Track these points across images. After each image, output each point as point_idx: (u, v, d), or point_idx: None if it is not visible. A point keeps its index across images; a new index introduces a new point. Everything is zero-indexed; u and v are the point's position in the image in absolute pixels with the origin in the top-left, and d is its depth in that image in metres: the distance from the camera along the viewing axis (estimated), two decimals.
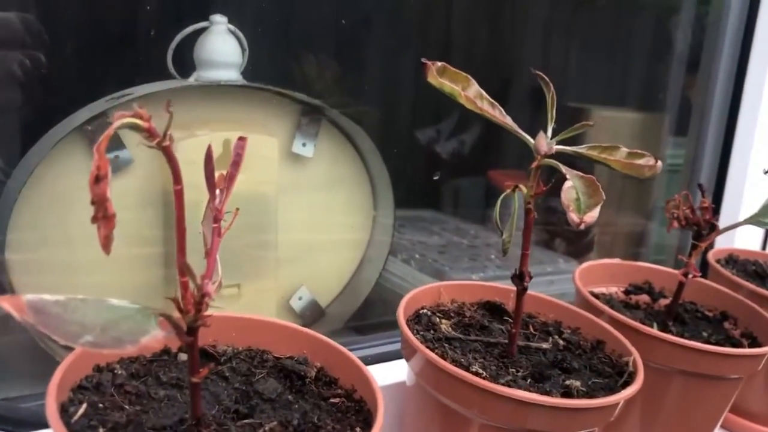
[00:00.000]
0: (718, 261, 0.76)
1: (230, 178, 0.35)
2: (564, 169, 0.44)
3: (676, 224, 0.56)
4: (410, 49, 0.95)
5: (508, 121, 0.47)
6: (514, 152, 1.13)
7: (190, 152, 0.66)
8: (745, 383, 0.63)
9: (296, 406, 0.40)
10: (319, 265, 0.80)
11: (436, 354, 0.47)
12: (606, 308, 0.57)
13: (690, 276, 0.58)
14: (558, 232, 1.00)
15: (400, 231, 0.94)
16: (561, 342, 0.53)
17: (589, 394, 0.46)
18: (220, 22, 0.67)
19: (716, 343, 0.61)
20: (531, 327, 0.55)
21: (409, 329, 0.47)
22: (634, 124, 0.98)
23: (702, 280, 0.68)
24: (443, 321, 0.51)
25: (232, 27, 0.68)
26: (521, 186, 0.48)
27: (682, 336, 0.63)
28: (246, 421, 0.38)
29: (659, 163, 0.48)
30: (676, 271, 0.70)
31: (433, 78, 0.46)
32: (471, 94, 0.47)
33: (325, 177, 0.77)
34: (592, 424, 0.45)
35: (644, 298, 0.68)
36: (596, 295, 0.65)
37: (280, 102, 0.72)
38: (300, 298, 0.77)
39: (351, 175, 0.79)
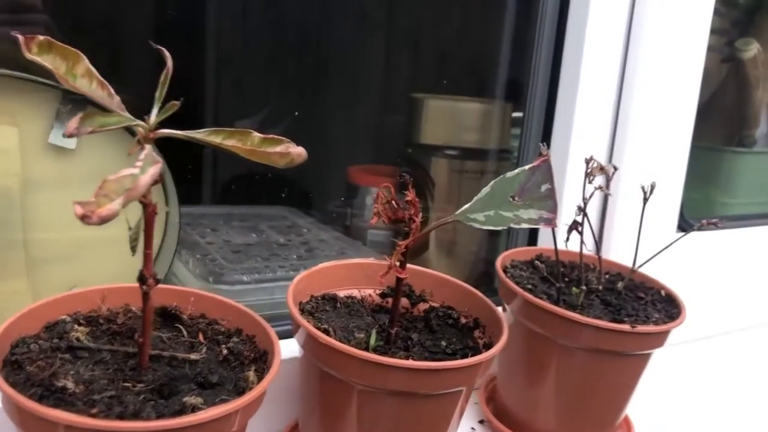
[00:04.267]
0: (512, 263, 0.69)
1: None
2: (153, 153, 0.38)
3: (376, 219, 0.50)
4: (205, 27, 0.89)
5: (114, 103, 0.41)
6: (369, 146, 1.07)
7: None
8: None
9: None
10: (99, 264, 0.74)
11: (37, 367, 0.42)
12: (301, 319, 0.51)
13: (403, 278, 0.52)
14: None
15: (215, 229, 0.88)
16: (225, 352, 0.47)
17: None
18: None
19: (451, 354, 0.55)
20: (202, 335, 0.49)
21: (6, 344, 0.42)
22: (476, 114, 0.92)
23: (462, 284, 0.62)
24: (80, 329, 0.46)
25: None
26: None
27: (422, 345, 0.57)
28: None
29: (299, 150, 0.43)
30: (439, 274, 0.64)
31: (30, 54, 0.41)
32: (79, 72, 0.41)
33: (98, 170, 0.72)
34: None
35: (405, 302, 0.62)
36: (335, 299, 0.59)
37: (33, 89, 0.67)
38: None
39: None
